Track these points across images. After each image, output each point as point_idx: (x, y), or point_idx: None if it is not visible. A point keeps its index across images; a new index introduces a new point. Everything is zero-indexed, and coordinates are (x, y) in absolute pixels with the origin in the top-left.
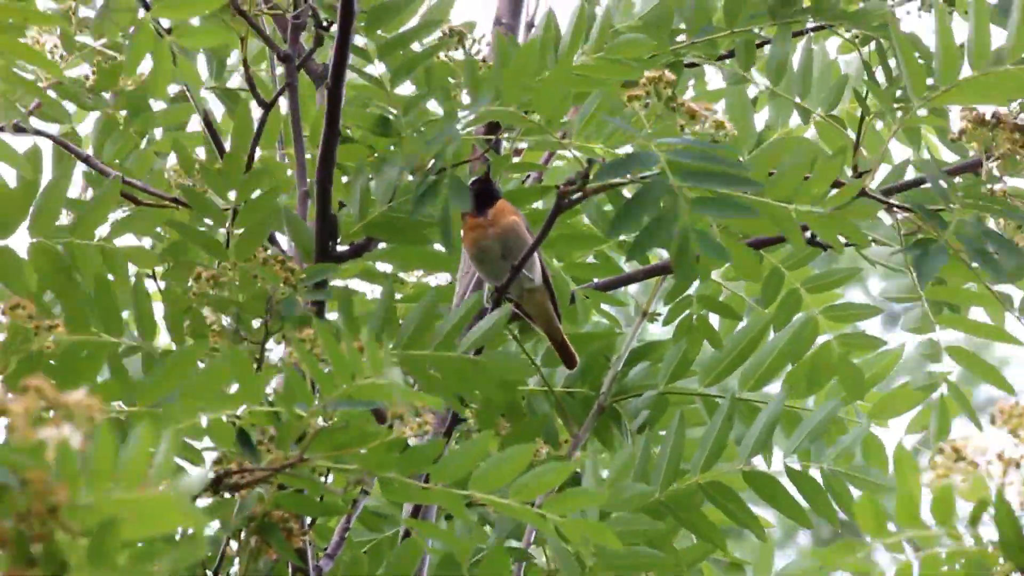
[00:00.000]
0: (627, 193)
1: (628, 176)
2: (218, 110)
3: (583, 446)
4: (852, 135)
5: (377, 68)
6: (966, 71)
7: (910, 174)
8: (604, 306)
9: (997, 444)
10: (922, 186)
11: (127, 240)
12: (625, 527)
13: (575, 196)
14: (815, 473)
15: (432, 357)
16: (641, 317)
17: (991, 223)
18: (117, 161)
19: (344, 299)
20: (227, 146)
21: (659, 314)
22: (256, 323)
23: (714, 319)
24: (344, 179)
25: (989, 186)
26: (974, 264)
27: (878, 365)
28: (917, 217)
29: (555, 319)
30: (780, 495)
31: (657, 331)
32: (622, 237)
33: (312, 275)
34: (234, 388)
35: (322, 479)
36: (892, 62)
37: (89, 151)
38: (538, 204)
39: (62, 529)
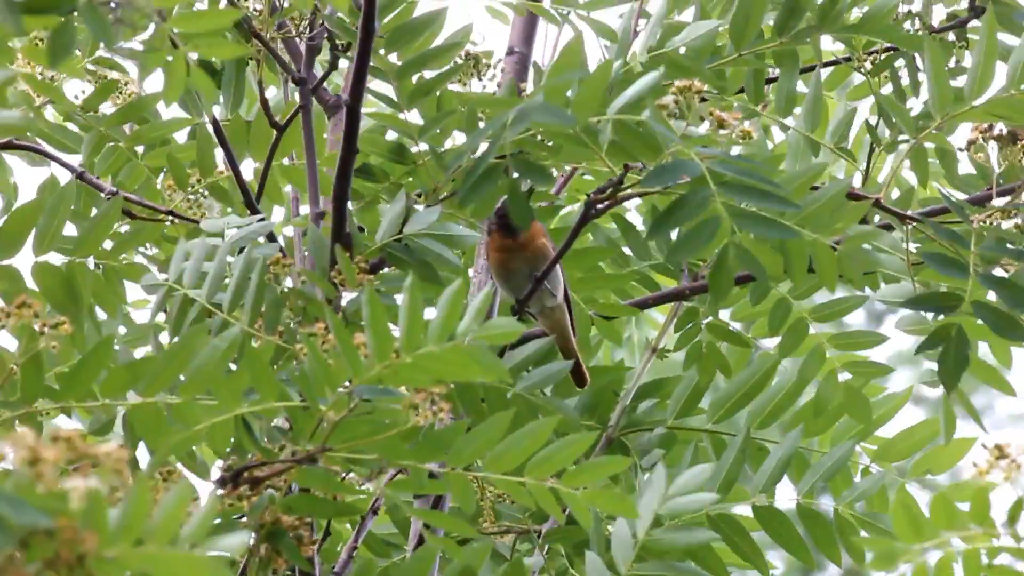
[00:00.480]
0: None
1: (669, 184)
2: None
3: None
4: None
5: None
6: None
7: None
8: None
9: None
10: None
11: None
12: (672, 539)
13: (604, 205)
14: (827, 512)
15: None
16: (651, 352)
17: None
18: (110, 177)
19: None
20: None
21: (669, 351)
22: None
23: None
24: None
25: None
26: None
27: (885, 406)
28: (933, 232)
29: (572, 337)
30: (789, 533)
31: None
32: (642, 264)
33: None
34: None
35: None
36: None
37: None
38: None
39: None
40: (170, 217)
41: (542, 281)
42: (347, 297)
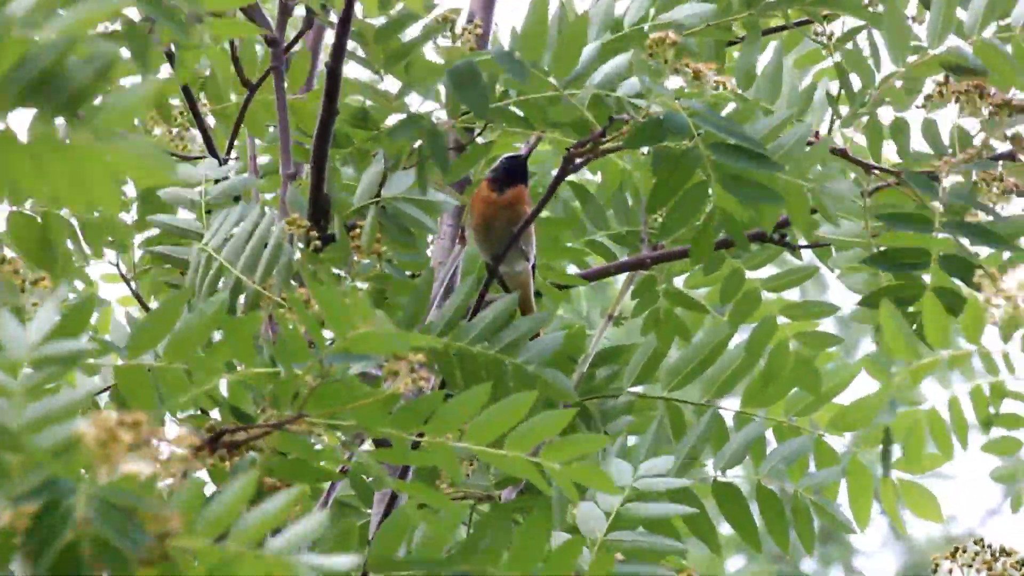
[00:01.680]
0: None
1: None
2: None
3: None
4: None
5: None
6: None
7: None
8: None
9: None
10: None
11: None
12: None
13: (581, 160)
14: (784, 497)
15: (484, 357)
16: (607, 319)
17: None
18: None
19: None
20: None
21: (625, 318)
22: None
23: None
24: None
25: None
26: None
27: (837, 376)
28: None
29: (533, 299)
30: (741, 513)
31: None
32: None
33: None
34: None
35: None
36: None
37: None
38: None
39: (168, 561)
40: None
41: (518, 238)
42: None
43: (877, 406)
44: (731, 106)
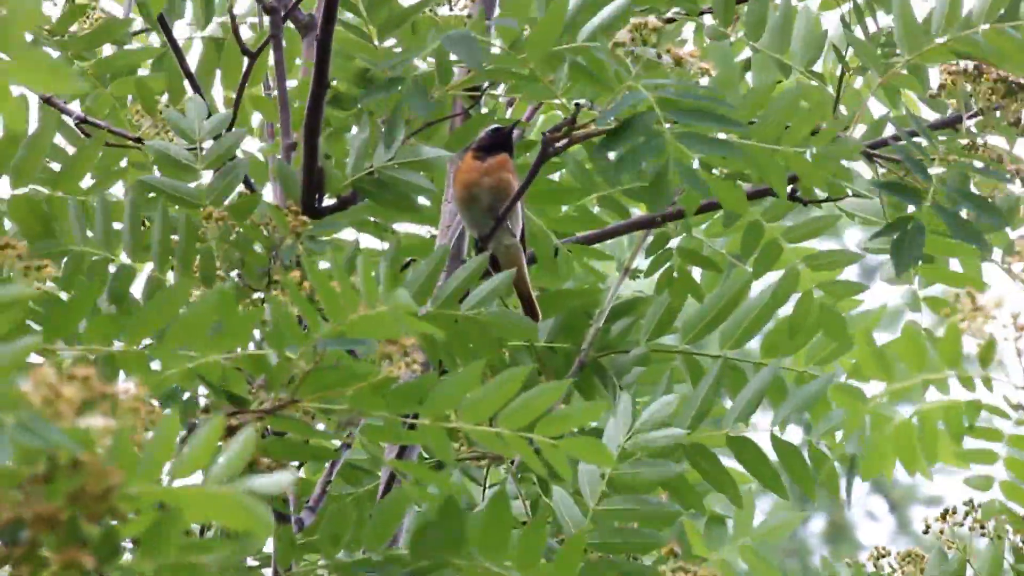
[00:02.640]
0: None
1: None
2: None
3: (564, 401)
4: (832, 92)
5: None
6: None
7: (888, 131)
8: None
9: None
10: (901, 142)
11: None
12: (640, 473)
13: (560, 144)
14: (801, 445)
15: (434, 315)
16: (623, 273)
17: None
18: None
19: (352, 252)
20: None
21: (641, 271)
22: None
23: (696, 275)
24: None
25: (968, 141)
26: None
27: (861, 322)
28: (900, 167)
29: (526, 275)
30: (762, 464)
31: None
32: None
33: (318, 227)
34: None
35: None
36: (869, 20)
37: None
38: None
39: (113, 514)
40: (138, 144)
41: (503, 219)
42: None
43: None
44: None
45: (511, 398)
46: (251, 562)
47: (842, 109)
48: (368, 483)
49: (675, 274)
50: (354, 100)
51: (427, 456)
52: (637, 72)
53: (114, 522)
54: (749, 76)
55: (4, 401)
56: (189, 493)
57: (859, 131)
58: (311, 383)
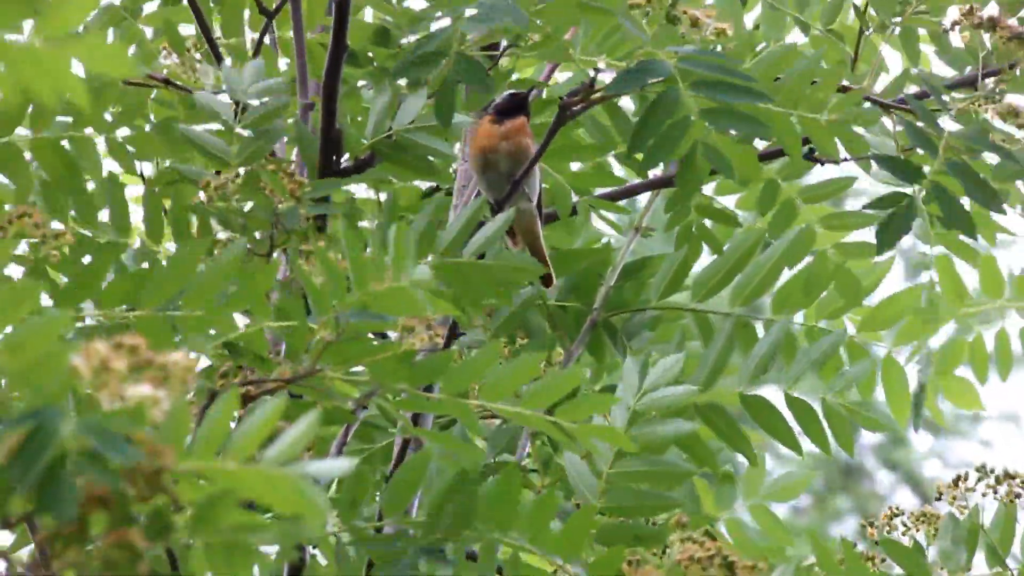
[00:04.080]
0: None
1: (639, 87)
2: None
3: (576, 360)
4: (850, 51)
5: None
6: None
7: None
8: (609, 215)
9: None
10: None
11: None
12: (653, 432)
13: (577, 108)
14: (815, 404)
15: (435, 264)
16: (634, 232)
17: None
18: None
19: (351, 211)
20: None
21: (652, 229)
22: (259, 235)
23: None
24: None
25: (986, 99)
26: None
27: (869, 277)
28: (916, 117)
29: (541, 238)
30: (777, 422)
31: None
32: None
33: (318, 188)
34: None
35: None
36: None
37: None
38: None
39: (165, 492)
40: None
41: (520, 183)
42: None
43: (908, 303)
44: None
45: (532, 378)
46: None
47: (861, 67)
48: (381, 440)
49: (694, 230)
50: (369, 58)
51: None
52: (655, 34)
53: (165, 501)
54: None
55: (55, 376)
56: (245, 474)
57: (879, 85)
58: (332, 354)
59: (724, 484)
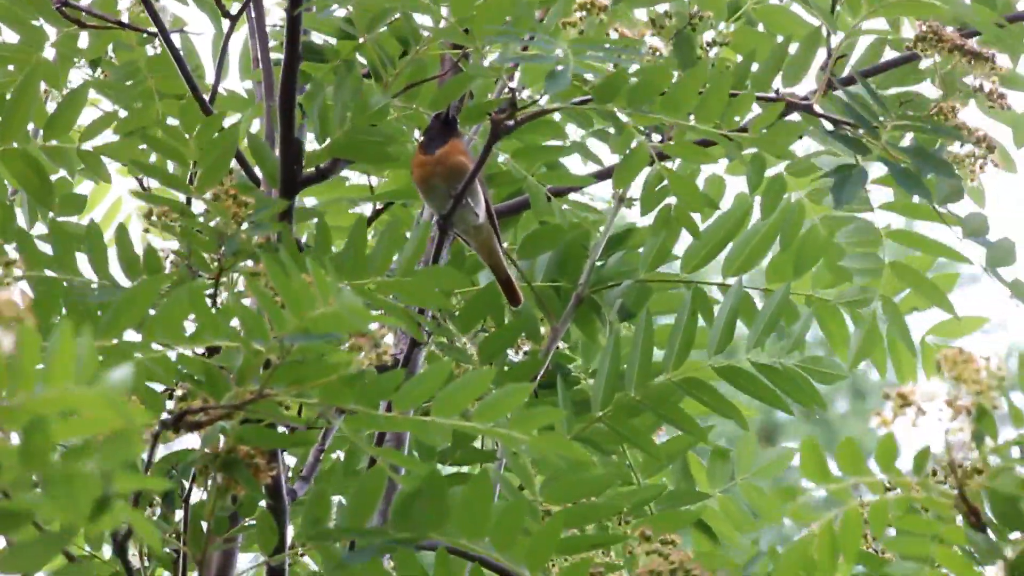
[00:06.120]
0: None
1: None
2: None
3: (564, 337)
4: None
5: None
6: None
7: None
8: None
9: (944, 391)
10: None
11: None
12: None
13: (510, 124)
14: (777, 366)
15: (381, 283)
16: (618, 203)
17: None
18: None
19: (320, 225)
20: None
21: (635, 199)
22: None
23: None
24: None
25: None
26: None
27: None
28: (853, 128)
29: (500, 255)
30: (756, 385)
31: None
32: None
33: (259, 210)
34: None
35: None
36: None
37: None
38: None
39: None
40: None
41: (462, 197)
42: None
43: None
44: None
45: (481, 395)
46: None
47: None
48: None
49: (672, 213)
50: (335, 51)
51: None
52: (572, 43)
53: None
54: None
55: None
56: (53, 399)
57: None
58: (281, 376)
59: (717, 460)
